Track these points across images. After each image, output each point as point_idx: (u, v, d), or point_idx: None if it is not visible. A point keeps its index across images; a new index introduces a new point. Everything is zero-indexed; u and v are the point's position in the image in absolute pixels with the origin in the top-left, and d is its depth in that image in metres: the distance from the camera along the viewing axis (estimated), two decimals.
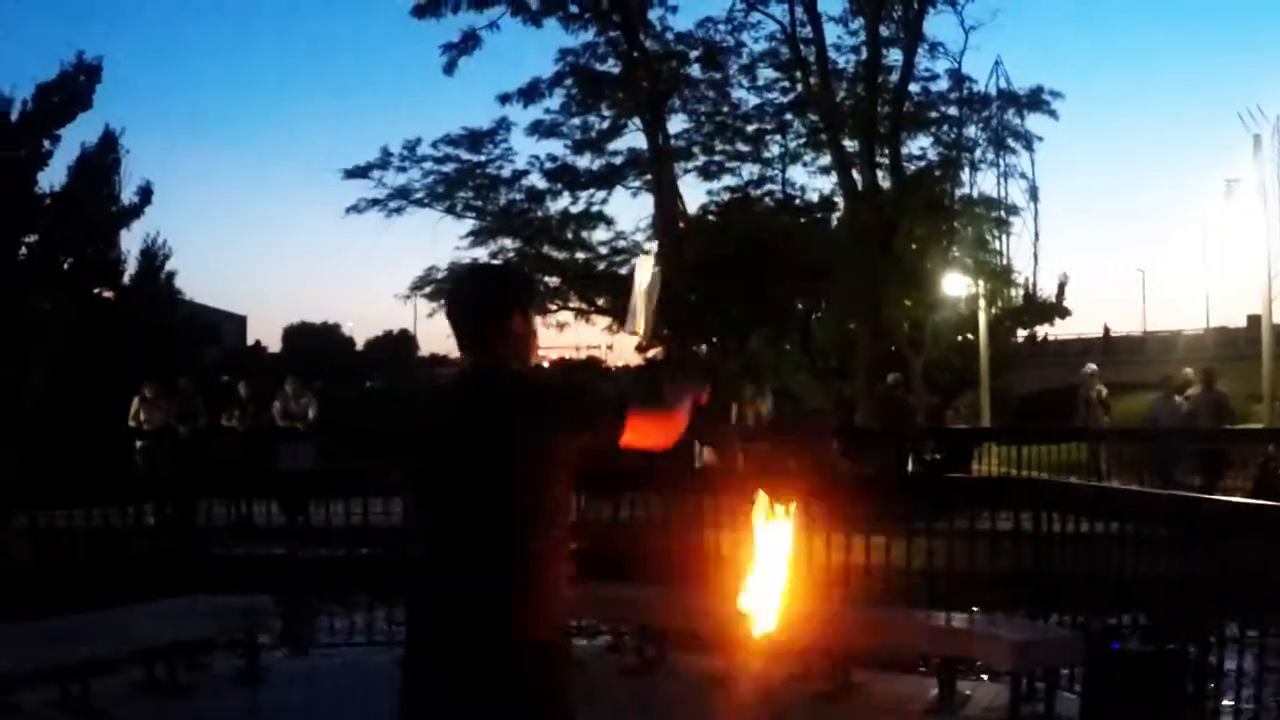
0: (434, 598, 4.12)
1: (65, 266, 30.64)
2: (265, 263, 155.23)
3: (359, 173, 32.67)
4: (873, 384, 24.70)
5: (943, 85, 30.67)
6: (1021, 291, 32.62)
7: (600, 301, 33.35)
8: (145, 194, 32.11)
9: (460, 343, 4.34)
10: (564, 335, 38.62)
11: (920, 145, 31.25)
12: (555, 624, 4.14)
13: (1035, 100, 30.71)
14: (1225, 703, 7.87)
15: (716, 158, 32.79)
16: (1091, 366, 23.73)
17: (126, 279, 33.33)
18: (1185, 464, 19.52)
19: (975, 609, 8.77)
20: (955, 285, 29.57)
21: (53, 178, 30.75)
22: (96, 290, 32.20)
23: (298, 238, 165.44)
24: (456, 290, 4.66)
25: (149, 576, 9.62)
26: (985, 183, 31.69)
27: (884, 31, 28.39)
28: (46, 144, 30.28)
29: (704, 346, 33.28)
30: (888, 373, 23.84)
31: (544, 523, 4.10)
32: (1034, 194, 31.66)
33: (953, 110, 31.06)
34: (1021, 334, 37.42)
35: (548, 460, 4.12)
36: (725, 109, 32.64)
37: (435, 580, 4.12)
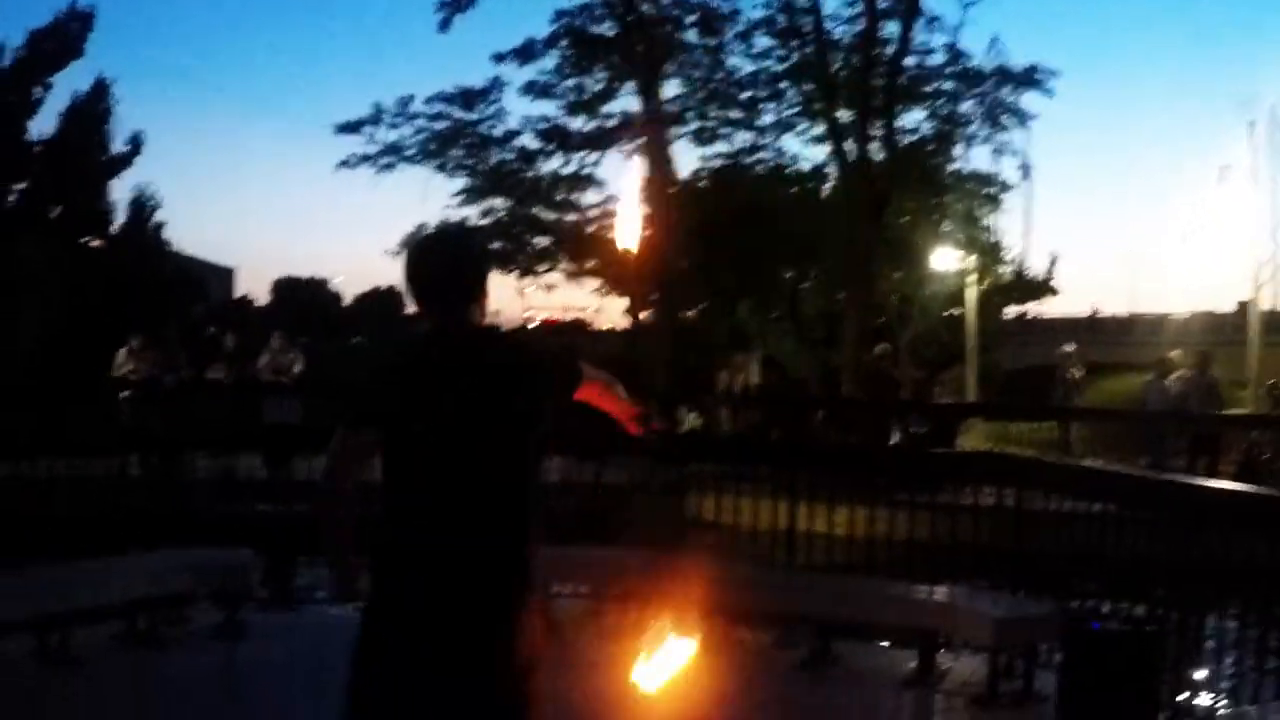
0: (435, 560, 4.09)
1: (54, 215, 30.48)
2: (254, 216, 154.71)
3: (351, 128, 32.64)
4: (859, 355, 24.69)
5: (939, 59, 30.56)
6: (1011, 268, 32.69)
7: (590, 263, 33.35)
8: (135, 144, 31.95)
9: (439, 304, 4.33)
10: (552, 296, 38.77)
11: (914, 119, 31.15)
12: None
13: (1030, 77, 30.62)
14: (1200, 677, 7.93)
15: (710, 124, 32.69)
16: (1069, 346, 23.84)
17: (115, 229, 33.16)
18: (1172, 445, 19.58)
19: (956, 583, 8.81)
20: (945, 260, 29.61)
21: (43, 126, 30.60)
22: (85, 240, 32.05)
23: (288, 192, 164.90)
24: (443, 252, 4.52)
25: (131, 529, 9.62)
26: (978, 159, 31.68)
27: (881, 3, 28.26)
28: (37, 91, 30.12)
29: (692, 312, 33.34)
30: (874, 345, 23.82)
31: (537, 486, 4.20)
32: (1026, 171, 31.61)
33: (948, 85, 30.96)
34: (1010, 311, 37.50)
35: (547, 424, 4.19)
36: (720, 75, 32.50)
37: (436, 542, 4.10)
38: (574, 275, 34.37)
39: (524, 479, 4.14)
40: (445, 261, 4.40)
